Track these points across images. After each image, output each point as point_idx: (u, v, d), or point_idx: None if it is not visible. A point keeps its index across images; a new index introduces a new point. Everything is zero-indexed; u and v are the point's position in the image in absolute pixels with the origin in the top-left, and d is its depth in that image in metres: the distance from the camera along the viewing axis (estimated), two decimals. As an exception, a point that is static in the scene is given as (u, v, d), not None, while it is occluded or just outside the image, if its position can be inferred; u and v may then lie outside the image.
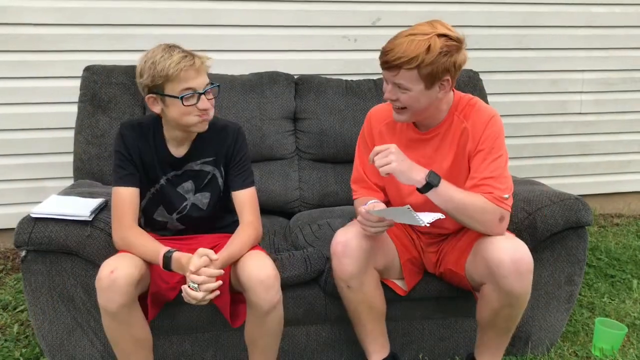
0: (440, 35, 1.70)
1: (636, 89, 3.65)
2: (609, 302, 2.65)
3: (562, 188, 2.31)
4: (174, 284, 1.86)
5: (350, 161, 2.67)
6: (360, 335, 2.00)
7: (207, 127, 1.80)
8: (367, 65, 3.17)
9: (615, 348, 2.23)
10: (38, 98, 2.91)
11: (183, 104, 1.71)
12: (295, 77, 2.75)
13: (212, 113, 1.79)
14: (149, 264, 1.77)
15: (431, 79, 1.71)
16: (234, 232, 1.85)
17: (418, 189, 1.76)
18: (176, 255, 1.70)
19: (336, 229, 2.26)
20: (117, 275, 1.63)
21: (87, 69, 2.55)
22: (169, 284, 1.85)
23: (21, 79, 2.87)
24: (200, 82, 1.72)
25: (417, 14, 3.20)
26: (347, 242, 1.82)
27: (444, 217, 1.74)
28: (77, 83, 2.56)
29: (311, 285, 2.05)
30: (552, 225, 2.02)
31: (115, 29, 2.91)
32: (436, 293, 2.08)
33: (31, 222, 1.84)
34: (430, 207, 1.79)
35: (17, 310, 2.51)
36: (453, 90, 1.86)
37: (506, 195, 1.77)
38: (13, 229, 1.88)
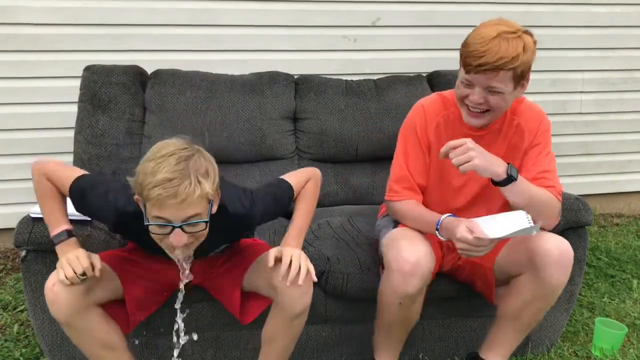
0: (525, 32, 1.68)
1: (636, 89, 3.65)
2: (609, 302, 2.65)
3: (563, 188, 2.31)
4: (156, 289, 1.82)
5: (350, 161, 2.70)
6: (381, 338, 1.98)
7: (189, 254, 1.60)
8: (367, 65, 3.18)
9: (615, 348, 2.23)
10: (38, 98, 2.91)
11: (149, 230, 1.50)
12: (295, 77, 2.75)
13: (190, 249, 1.56)
14: (116, 270, 1.72)
15: (519, 79, 1.69)
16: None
17: (493, 182, 1.71)
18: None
19: (336, 228, 2.28)
20: (58, 288, 1.58)
21: (87, 69, 2.55)
22: (151, 289, 1.80)
23: (21, 79, 2.87)
24: (178, 215, 1.43)
25: (417, 13, 3.22)
26: (418, 261, 1.72)
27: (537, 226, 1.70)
28: (77, 83, 2.56)
29: (311, 285, 2.05)
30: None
31: (115, 29, 2.91)
32: (438, 294, 2.07)
33: (31, 222, 1.84)
34: (477, 207, 1.82)
35: (17, 310, 2.51)
36: None
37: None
38: (13, 229, 1.88)
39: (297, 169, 2.61)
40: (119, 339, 1.75)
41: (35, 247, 1.84)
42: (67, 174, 1.69)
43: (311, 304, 2.03)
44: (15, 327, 2.36)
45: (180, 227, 1.45)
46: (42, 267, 1.87)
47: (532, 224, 1.67)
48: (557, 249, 1.74)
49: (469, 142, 1.67)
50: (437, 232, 1.77)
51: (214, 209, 1.54)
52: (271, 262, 1.65)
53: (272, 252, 1.67)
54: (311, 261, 2.00)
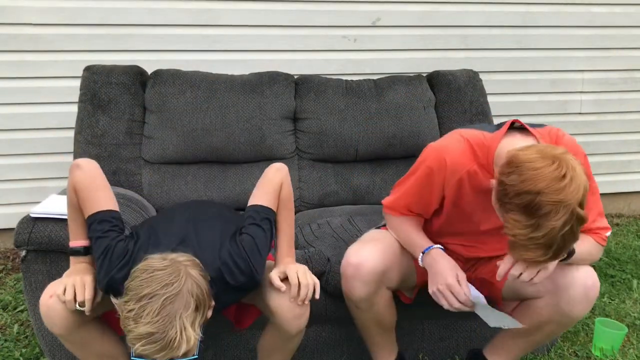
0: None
1: (636, 89, 3.65)
2: (609, 302, 2.65)
3: (562, 188, 2.31)
4: None
5: (350, 161, 2.69)
6: (368, 343, 1.99)
7: None
8: (367, 65, 3.18)
9: (615, 348, 2.23)
10: (38, 98, 2.91)
11: None
12: (295, 77, 2.75)
13: None
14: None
15: None
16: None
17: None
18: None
19: (336, 228, 2.28)
20: (53, 301, 1.55)
21: (87, 69, 2.55)
22: None
23: (21, 79, 2.87)
24: (162, 358, 1.34)
25: (417, 14, 3.22)
26: (359, 264, 1.72)
27: (519, 325, 1.67)
28: (77, 83, 2.56)
29: (311, 285, 2.05)
30: (552, 225, 2.02)
31: (115, 29, 2.91)
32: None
33: (31, 222, 1.84)
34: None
35: (17, 310, 2.51)
36: (532, 134, 1.64)
37: (608, 233, 1.73)
38: (13, 229, 1.88)
39: (296, 169, 2.63)
40: (119, 349, 1.72)
41: (36, 247, 1.83)
42: (90, 200, 1.61)
43: (311, 304, 2.04)
44: (15, 327, 2.36)
45: None
46: (42, 267, 1.87)
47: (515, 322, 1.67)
48: (583, 283, 1.68)
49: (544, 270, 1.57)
50: (421, 254, 1.73)
51: (209, 315, 1.46)
52: (283, 287, 1.59)
53: (276, 275, 1.62)
54: (311, 261, 2.02)
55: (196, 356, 1.38)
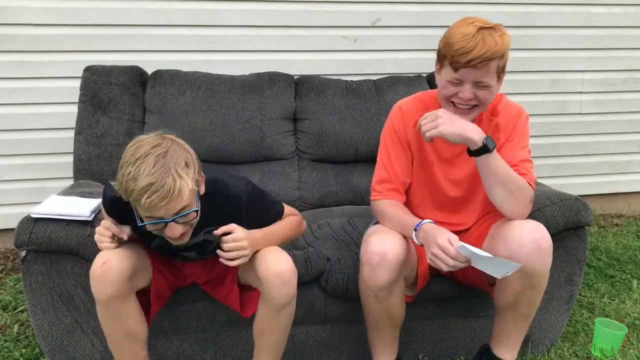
0: (500, 26, 1.76)
1: (636, 89, 3.65)
2: (609, 302, 2.65)
3: (562, 188, 2.31)
4: (172, 282, 1.86)
5: (350, 161, 2.70)
6: (373, 338, 1.99)
7: (187, 239, 1.63)
8: (367, 65, 3.18)
9: (615, 348, 2.23)
10: (38, 98, 2.91)
11: (147, 229, 1.56)
12: (295, 77, 2.75)
13: (187, 236, 1.62)
14: (150, 259, 1.77)
15: (500, 72, 1.76)
16: None
17: (469, 152, 1.75)
18: None
19: (336, 228, 2.28)
20: (109, 266, 1.62)
21: (87, 69, 2.55)
22: (169, 281, 1.85)
23: (21, 79, 2.87)
24: (167, 212, 1.48)
25: (417, 14, 3.22)
26: (385, 252, 1.76)
27: (519, 265, 1.69)
28: (77, 83, 2.56)
29: (311, 286, 2.05)
30: (552, 225, 2.02)
31: (115, 29, 2.91)
32: (438, 295, 2.08)
33: (31, 222, 1.84)
34: (462, 205, 1.89)
35: (17, 310, 2.51)
36: None
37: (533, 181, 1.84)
38: (13, 229, 1.88)
39: (296, 169, 2.64)
40: (144, 333, 1.78)
41: (36, 247, 1.84)
42: None
43: (311, 304, 2.05)
44: (15, 327, 2.37)
45: (173, 220, 1.51)
46: (42, 267, 1.88)
47: (507, 265, 1.67)
48: (531, 237, 1.74)
49: (439, 112, 1.75)
50: (414, 232, 1.79)
51: (202, 190, 1.61)
52: (218, 232, 1.67)
53: (229, 227, 1.68)
54: (312, 261, 2.02)
55: (196, 209, 1.54)
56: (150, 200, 1.43)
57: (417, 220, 1.81)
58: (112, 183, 1.53)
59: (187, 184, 1.48)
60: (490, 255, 1.66)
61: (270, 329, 1.80)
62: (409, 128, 1.92)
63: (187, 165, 1.51)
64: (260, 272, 1.71)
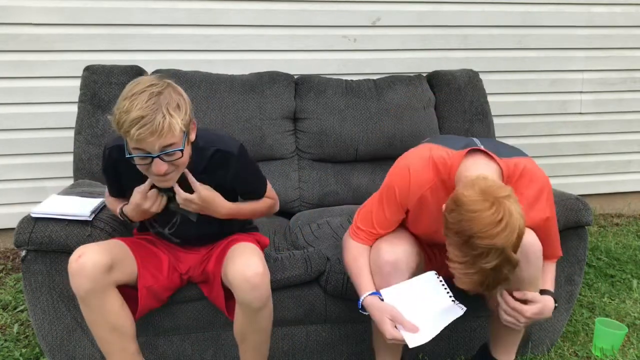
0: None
1: (636, 89, 3.66)
2: (609, 302, 2.65)
3: (562, 188, 2.31)
4: (164, 282, 1.85)
5: (350, 161, 2.70)
6: (378, 343, 1.98)
7: (173, 183, 1.67)
8: (367, 65, 3.18)
9: (615, 348, 2.23)
10: (38, 98, 2.91)
11: (134, 162, 1.61)
12: (295, 77, 2.75)
13: (173, 180, 1.66)
14: (134, 254, 1.78)
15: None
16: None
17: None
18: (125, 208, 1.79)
19: (336, 228, 2.28)
20: (84, 260, 1.63)
21: (87, 69, 2.55)
22: (160, 280, 1.84)
23: (21, 79, 2.87)
24: (154, 146, 1.54)
25: (417, 14, 3.22)
26: (396, 261, 1.76)
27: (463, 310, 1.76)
28: (77, 83, 2.56)
29: (311, 285, 2.05)
30: (552, 225, 2.02)
31: (115, 29, 2.91)
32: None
33: (31, 222, 1.84)
34: None
35: (17, 310, 2.51)
36: (496, 161, 1.68)
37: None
38: (13, 229, 1.88)
39: (296, 169, 2.65)
40: (130, 327, 1.77)
41: (36, 247, 1.84)
42: None
43: (311, 304, 2.05)
44: (15, 327, 2.36)
45: (158, 156, 1.56)
46: (42, 267, 1.88)
47: (450, 295, 1.72)
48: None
49: (526, 313, 1.73)
50: (361, 298, 1.78)
51: (192, 137, 1.66)
52: (190, 176, 1.69)
53: (196, 183, 1.71)
54: (311, 261, 2.02)
55: (182, 148, 1.59)
56: (139, 132, 1.50)
57: (364, 290, 1.78)
58: (108, 117, 1.60)
59: (176, 122, 1.54)
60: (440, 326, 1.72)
61: (250, 331, 1.79)
62: (413, 198, 1.77)
63: (178, 107, 1.57)
64: (229, 277, 1.71)
